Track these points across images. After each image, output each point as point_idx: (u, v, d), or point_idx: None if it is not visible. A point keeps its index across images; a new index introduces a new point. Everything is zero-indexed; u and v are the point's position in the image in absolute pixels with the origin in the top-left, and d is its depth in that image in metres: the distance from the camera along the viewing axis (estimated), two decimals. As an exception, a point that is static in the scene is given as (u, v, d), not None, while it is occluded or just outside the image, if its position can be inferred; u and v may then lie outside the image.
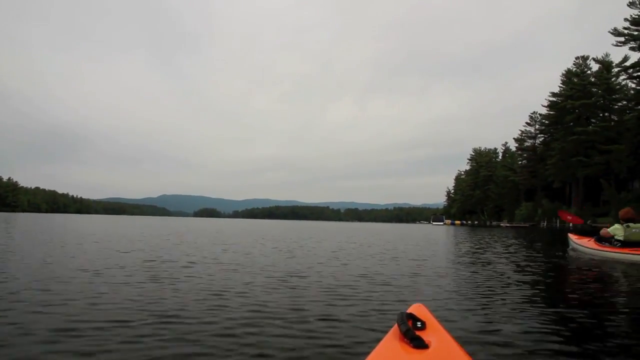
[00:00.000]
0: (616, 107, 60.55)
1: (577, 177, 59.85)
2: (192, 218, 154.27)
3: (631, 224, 8.08)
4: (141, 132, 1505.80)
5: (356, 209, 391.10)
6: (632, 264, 7.22)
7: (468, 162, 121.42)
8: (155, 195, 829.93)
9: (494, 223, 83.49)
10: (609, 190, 49.85)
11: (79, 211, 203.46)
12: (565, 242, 10.63)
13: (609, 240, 8.39)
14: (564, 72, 67.43)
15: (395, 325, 1.32)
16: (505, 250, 10.54)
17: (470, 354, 1.21)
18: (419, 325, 1.32)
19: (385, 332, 1.35)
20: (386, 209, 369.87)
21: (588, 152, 57.25)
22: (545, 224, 61.93)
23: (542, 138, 77.84)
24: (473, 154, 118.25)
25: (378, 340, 1.31)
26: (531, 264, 7.51)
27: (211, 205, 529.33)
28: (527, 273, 6.08)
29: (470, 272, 6.06)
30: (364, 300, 3.85)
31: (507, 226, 61.57)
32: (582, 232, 11.46)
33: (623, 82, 59.33)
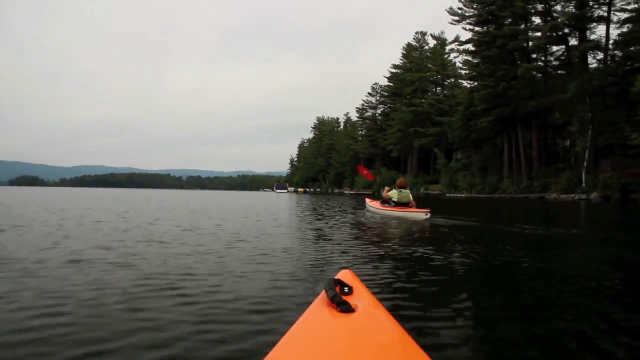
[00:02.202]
0: (447, 82, 65.57)
1: (413, 147, 63.32)
2: (5, 187, 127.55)
3: (402, 190, 10.38)
4: None
5: (199, 177, 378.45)
6: (398, 217, 9.59)
7: (312, 131, 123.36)
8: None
9: (336, 190, 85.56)
10: (441, 160, 53.28)
11: None
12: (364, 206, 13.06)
13: (389, 202, 10.51)
14: (404, 45, 70.35)
15: (323, 291, 1.34)
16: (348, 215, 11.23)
17: (395, 316, 1.27)
18: (346, 291, 1.36)
19: (314, 299, 1.37)
20: (230, 177, 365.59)
21: (424, 123, 60.73)
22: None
23: (382, 109, 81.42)
24: (317, 122, 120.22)
25: (307, 306, 1.33)
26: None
27: (32, 172, 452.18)
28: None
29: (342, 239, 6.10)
30: (287, 271, 3.67)
31: (351, 193, 62.63)
32: (374, 197, 14.58)
33: (454, 60, 64.42)
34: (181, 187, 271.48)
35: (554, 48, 38.33)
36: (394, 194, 10.42)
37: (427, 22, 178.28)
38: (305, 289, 2.98)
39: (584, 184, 31.03)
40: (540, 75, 38.90)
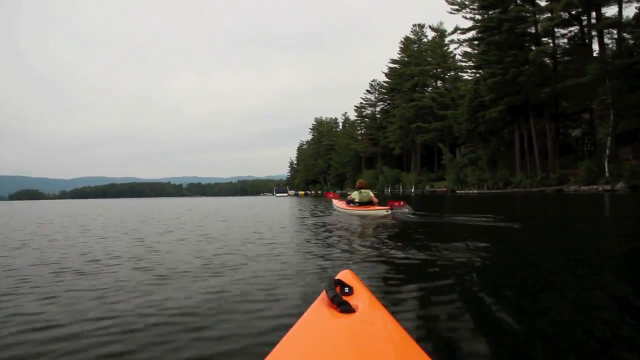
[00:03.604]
0: (448, 76, 63.12)
1: (416, 144, 60.96)
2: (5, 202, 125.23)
3: (362, 190, 11.20)
4: None
5: (199, 184, 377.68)
6: (361, 215, 10.22)
7: (310, 132, 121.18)
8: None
9: (338, 192, 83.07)
10: (446, 155, 50.89)
11: None
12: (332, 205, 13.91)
13: (353, 202, 11.22)
14: (402, 39, 68.02)
15: (324, 291, 1.33)
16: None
17: (396, 316, 1.27)
18: (347, 291, 1.35)
19: (314, 299, 1.36)
20: (230, 182, 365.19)
21: (425, 118, 58.38)
22: (389, 190, 62.20)
23: (382, 106, 79.07)
24: (315, 123, 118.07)
25: (307, 307, 1.32)
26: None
27: (33, 186, 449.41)
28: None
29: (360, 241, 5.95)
30: (287, 271, 3.68)
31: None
32: (341, 197, 14.90)
33: (454, 52, 62.03)
34: (182, 195, 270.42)
35: (562, 31, 36.10)
36: (355, 195, 11.23)
37: (423, 17, 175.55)
38: (306, 289, 2.98)
39: (607, 174, 28.60)
40: (549, 61, 36.56)
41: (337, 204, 12.64)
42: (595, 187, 28.74)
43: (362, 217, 10.07)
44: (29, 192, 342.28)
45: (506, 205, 16.71)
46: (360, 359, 0.96)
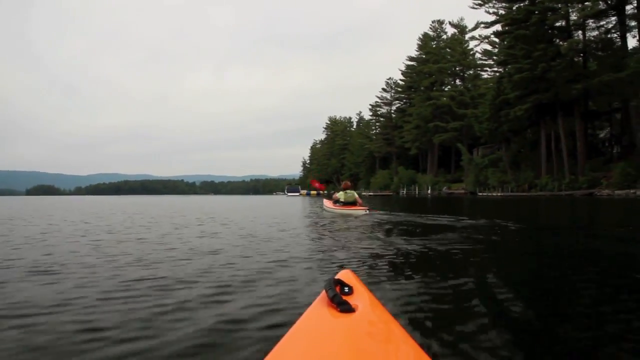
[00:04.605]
0: (467, 74, 60.78)
1: (433, 144, 58.72)
2: (19, 197, 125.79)
3: (347, 191, 11.63)
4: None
5: (212, 182, 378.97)
6: (344, 215, 10.63)
7: (324, 131, 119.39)
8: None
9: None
10: (465, 156, 48.63)
11: None
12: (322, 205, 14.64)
13: (338, 201, 11.74)
14: (420, 36, 65.81)
15: (323, 291, 1.34)
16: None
17: (395, 316, 1.30)
18: (347, 291, 1.36)
19: (314, 299, 1.38)
20: (243, 181, 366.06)
21: (443, 117, 56.13)
22: (404, 192, 59.99)
23: (398, 105, 76.87)
24: (329, 122, 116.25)
25: (307, 306, 1.33)
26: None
27: (49, 181, 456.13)
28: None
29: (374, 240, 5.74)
30: (287, 271, 3.51)
31: (370, 195, 57.98)
32: (329, 197, 15.51)
33: (474, 50, 59.77)
34: (195, 193, 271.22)
35: (593, 25, 33.64)
36: (340, 195, 11.71)
37: (441, 16, 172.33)
38: (305, 289, 2.91)
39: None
40: (578, 56, 34.19)
41: (327, 204, 13.29)
42: (632, 191, 26.44)
43: (345, 215, 10.63)
44: (44, 188, 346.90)
45: (535, 209, 14.78)
46: (359, 358, 0.96)
